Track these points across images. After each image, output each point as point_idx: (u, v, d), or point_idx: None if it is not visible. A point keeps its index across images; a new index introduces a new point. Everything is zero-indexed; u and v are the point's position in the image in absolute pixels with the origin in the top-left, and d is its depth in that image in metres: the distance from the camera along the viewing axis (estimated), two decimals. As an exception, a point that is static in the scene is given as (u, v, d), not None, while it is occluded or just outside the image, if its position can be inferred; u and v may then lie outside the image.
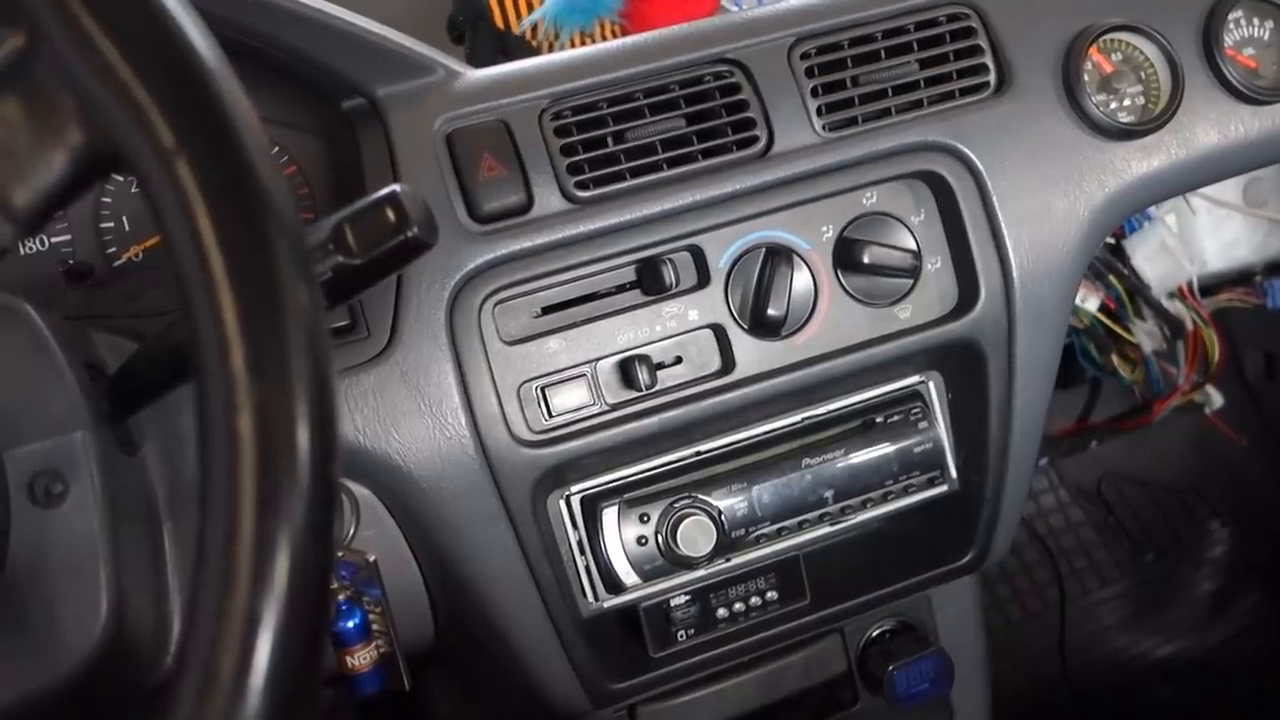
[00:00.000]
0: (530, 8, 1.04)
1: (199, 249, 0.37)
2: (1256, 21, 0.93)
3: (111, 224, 0.85)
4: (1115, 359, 1.43)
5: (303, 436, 0.36)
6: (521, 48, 1.04)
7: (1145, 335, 1.38)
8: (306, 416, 0.37)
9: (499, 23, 1.04)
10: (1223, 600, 1.68)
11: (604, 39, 1.05)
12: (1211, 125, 0.90)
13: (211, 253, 0.37)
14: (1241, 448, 1.67)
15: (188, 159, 0.37)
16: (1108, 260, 1.34)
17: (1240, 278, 1.44)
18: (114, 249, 0.84)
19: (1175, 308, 1.37)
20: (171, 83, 0.38)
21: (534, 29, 1.04)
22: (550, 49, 1.05)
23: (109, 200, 0.84)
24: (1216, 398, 1.51)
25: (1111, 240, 1.34)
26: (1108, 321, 1.38)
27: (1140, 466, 1.76)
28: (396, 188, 0.57)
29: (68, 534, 0.57)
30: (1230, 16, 0.91)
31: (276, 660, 0.36)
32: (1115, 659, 1.64)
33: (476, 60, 1.05)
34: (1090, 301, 1.35)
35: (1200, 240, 1.38)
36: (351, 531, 0.76)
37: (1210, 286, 1.44)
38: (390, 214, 0.56)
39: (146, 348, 0.61)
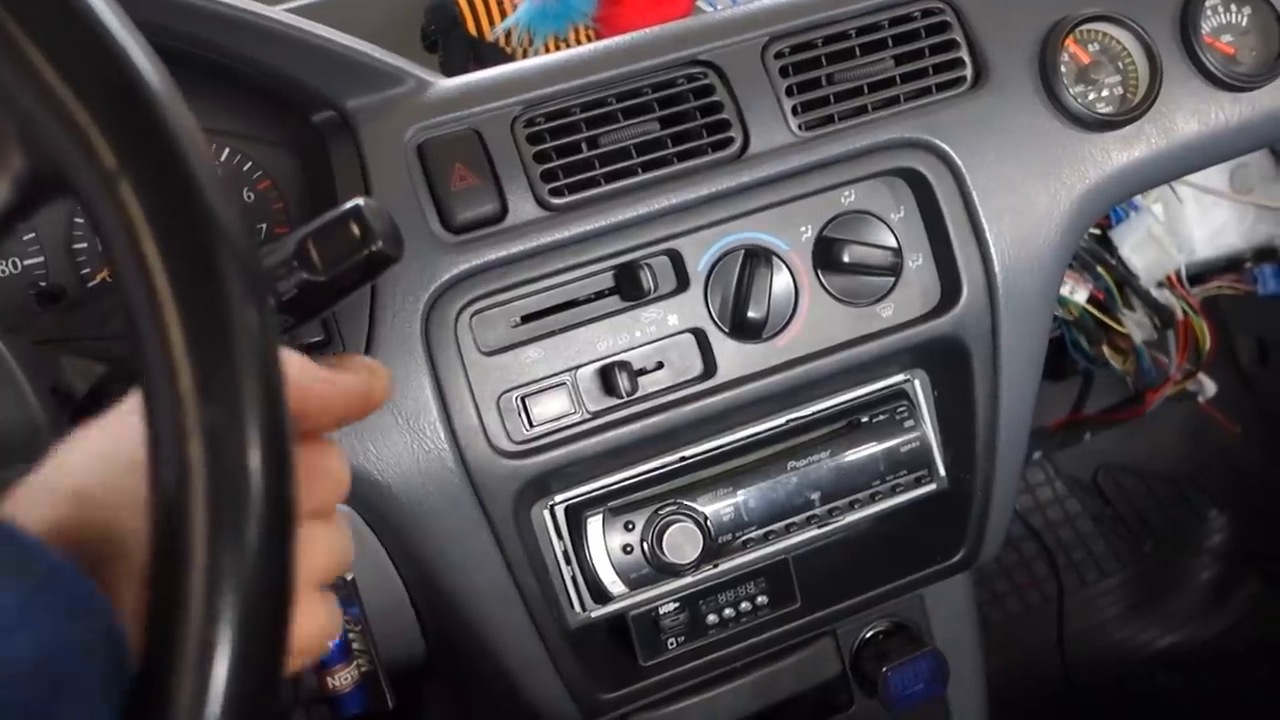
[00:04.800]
0: (503, 14, 1.04)
1: (144, 272, 0.36)
2: (1234, 8, 0.92)
3: (84, 244, 0.84)
4: (1106, 350, 1.42)
5: (254, 460, 0.36)
6: (495, 55, 1.03)
7: (1135, 325, 1.37)
8: (258, 442, 0.36)
9: (471, 30, 1.03)
10: (1222, 589, 1.68)
11: (578, 43, 1.04)
12: (1191, 114, 0.90)
13: (157, 276, 0.36)
14: (1237, 435, 1.67)
15: (131, 180, 0.37)
16: (1095, 251, 1.33)
17: (1230, 265, 1.44)
18: (88, 270, 0.84)
19: (1164, 297, 1.37)
20: (112, 103, 0.38)
21: (507, 35, 1.03)
22: (524, 55, 1.04)
23: (81, 221, 0.84)
24: (1209, 386, 1.51)
25: (1098, 231, 1.34)
26: (1097, 313, 1.37)
27: (1136, 456, 1.76)
28: (360, 201, 0.56)
29: (37, 562, 0.56)
30: (1208, 3, 0.90)
31: (233, 690, 0.35)
32: (1116, 651, 1.64)
33: (449, 69, 1.04)
34: (1079, 293, 1.34)
35: (1188, 228, 1.37)
36: (329, 550, 0.75)
37: (1200, 274, 1.43)
38: (354, 228, 0.55)
39: (114, 371, 0.61)
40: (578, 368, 0.81)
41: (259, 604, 0.36)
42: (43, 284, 0.83)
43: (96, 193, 0.37)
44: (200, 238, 0.37)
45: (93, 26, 0.38)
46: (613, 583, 0.82)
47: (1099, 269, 1.33)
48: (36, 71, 0.37)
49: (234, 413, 0.36)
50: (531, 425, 0.80)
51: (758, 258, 0.82)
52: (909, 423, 0.87)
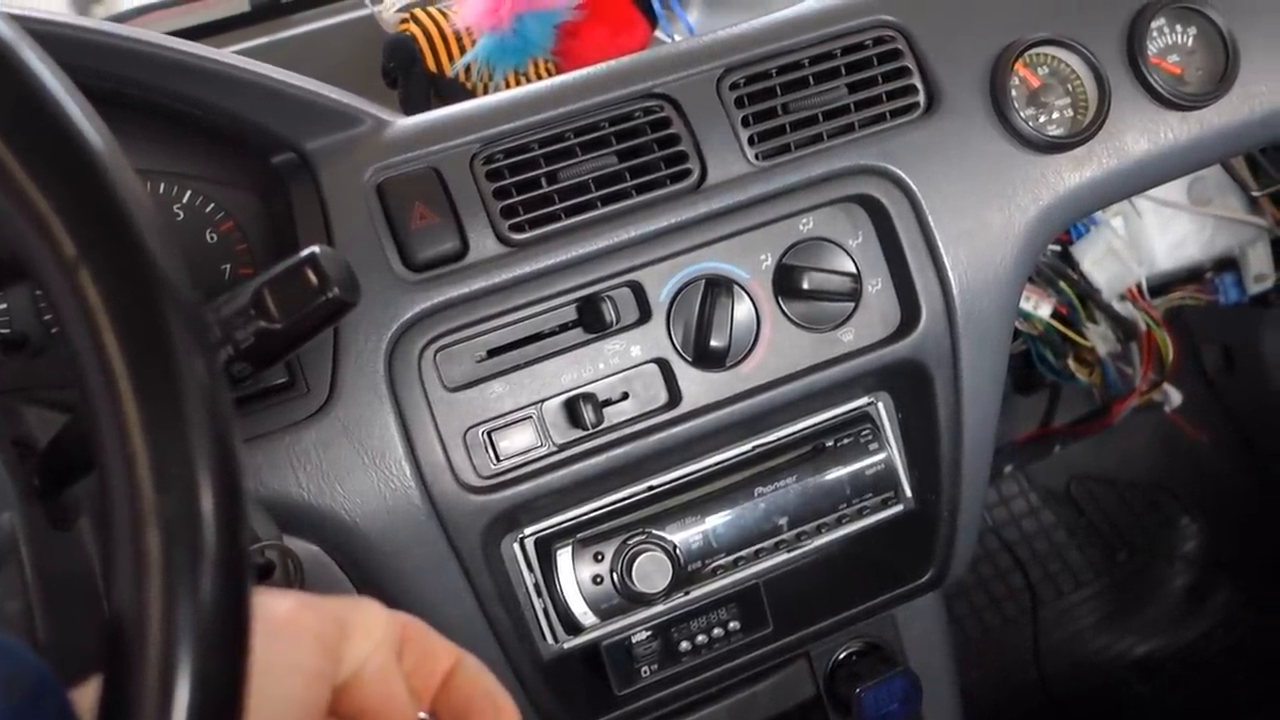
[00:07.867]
0: (461, 50, 1.04)
1: (102, 361, 0.37)
2: (1179, 28, 0.94)
3: (47, 290, 0.84)
4: (1072, 363, 1.44)
5: (208, 556, 0.36)
6: (456, 90, 1.04)
7: (1099, 338, 1.39)
8: (214, 540, 0.36)
9: (431, 67, 1.04)
10: (1196, 596, 1.69)
11: (538, 77, 1.05)
12: (1140, 133, 0.91)
13: (115, 365, 0.37)
14: (1207, 442, 1.69)
15: (90, 270, 0.37)
16: (1057, 266, 1.35)
17: (1191, 276, 1.46)
18: (50, 316, 0.84)
19: (1127, 310, 1.39)
20: (72, 192, 0.38)
21: (467, 71, 1.04)
22: (485, 90, 1.05)
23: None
24: (1175, 396, 1.53)
25: (1059, 246, 1.36)
26: (1061, 327, 1.39)
27: (1108, 466, 1.78)
28: (315, 249, 0.57)
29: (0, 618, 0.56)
30: (1153, 25, 0.92)
31: None
32: (1092, 660, 1.65)
33: (411, 105, 1.05)
34: (1043, 308, 1.36)
35: (1149, 241, 1.40)
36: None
37: (1162, 286, 1.45)
38: (310, 276, 0.56)
39: (74, 421, 0.61)
40: (543, 401, 0.81)
41: (210, 700, 0.36)
42: (5, 331, 0.83)
43: (55, 281, 0.38)
44: (158, 328, 0.37)
45: (52, 114, 0.39)
46: (584, 614, 0.82)
47: (1061, 284, 1.35)
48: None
49: (190, 508, 0.36)
50: (498, 459, 0.80)
51: (719, 287, 0.83)
52: (874, 445, 0.88)
